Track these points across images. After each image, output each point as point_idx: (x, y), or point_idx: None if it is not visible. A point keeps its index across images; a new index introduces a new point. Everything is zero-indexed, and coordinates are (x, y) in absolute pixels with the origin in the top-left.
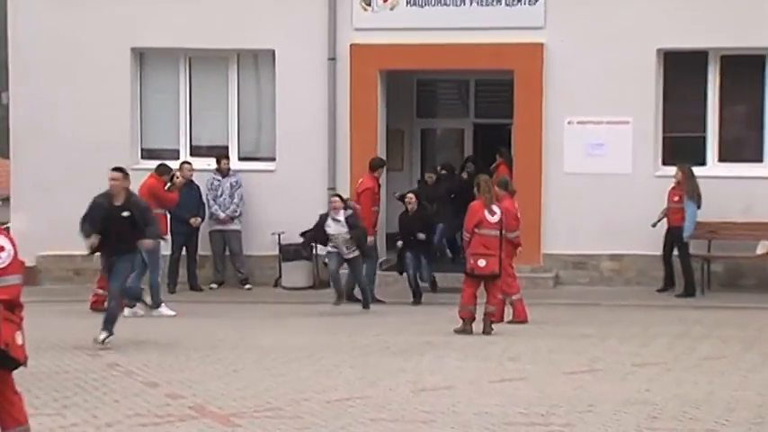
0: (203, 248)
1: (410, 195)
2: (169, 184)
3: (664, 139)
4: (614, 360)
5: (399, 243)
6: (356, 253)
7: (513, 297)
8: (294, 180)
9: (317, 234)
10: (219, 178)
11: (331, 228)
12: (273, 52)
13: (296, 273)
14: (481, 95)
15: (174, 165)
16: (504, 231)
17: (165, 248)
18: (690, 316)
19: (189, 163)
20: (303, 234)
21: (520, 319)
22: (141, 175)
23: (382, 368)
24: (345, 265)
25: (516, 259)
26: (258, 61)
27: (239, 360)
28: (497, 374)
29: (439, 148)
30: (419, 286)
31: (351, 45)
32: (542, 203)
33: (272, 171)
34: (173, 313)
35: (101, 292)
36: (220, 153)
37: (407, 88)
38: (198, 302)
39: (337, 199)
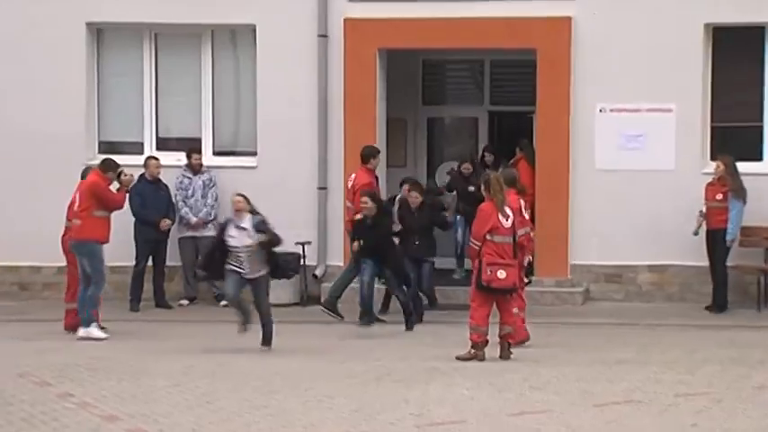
0: (172, 258)
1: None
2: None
3: (712, 129)
4: (654, 390)
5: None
6: (261, 273)
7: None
8: (278, 178)
9: (215, 251)
10: (190, 176)
11: (234, 238)
12: (254, 28)
13: (280, 287)
14: (498, 79)
15: (138, 160)
16: (516, 235)
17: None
18: (744, 338)
19: (155, 158)
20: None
21: (521, 338)
22: None
23: (382, 399)
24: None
25: (539, 270)
26: (236, 39)
27: (213, 389)
28: (517, 407)
29: (448, 140)
30: (414, 304)
31: (345, 20)
32: (570, 205)
33: (252, 168)
34: (104, 336)
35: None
36: (191, 147)
37: (411, 70)
38: (165, 322)
39: (241, 199)
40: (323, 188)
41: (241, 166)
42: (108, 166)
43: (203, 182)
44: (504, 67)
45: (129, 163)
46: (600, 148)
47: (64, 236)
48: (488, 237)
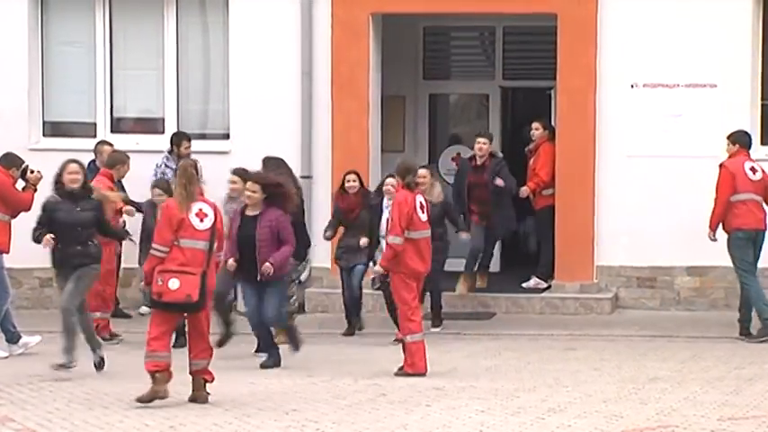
0: (130, 261)
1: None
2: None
3: (763, 108)
4: (695, 413)
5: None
6: None
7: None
8: (255, 165)
9: None
10: (174, 166)
11: None
12: None
13: None
14: (512, 49)
15: (90, 144)
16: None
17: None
18: None
19: (109, 143)
20: None
21: (417, 370)
22: (43, 157)
23: (376, 424)
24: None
25: (560, 274)
26: (205, 1)
27: (179, 413)
28: None
29: (454, 120)
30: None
31: None
32: (596, 197)
33: (224, 153)
34: (4, 355)
35: (98, 315)
36: (179, 132)
37: (411, 39)
38: (122, 333)
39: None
40: (307, 177)
41: (211, 150)
42: (11, 162)
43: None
44: (519, 35)
45: (80, 147)
46: (631, 130)
47: None
48: (176, 242)
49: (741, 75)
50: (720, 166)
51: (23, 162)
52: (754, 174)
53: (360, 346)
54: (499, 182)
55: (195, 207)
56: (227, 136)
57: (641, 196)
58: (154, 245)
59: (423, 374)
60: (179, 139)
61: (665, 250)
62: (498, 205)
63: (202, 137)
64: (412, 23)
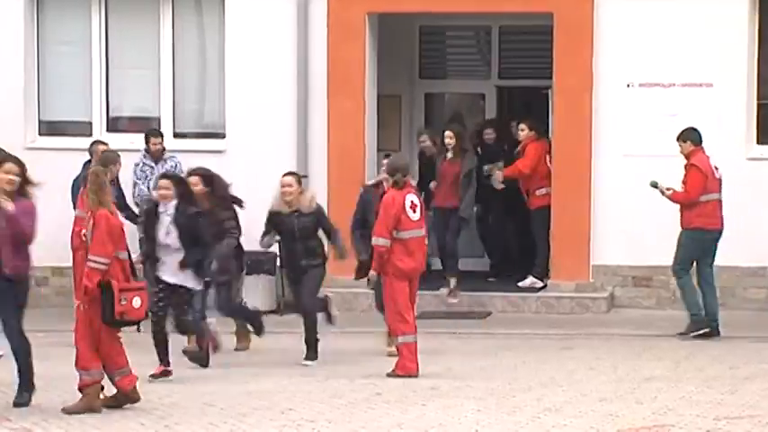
0: None
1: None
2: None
3: (759, 108)
4: (691, 412)
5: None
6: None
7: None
8: (251, 164)
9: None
10: (152, 164)
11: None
12: None
13: (253, 292)
14: (508, 49)
15: (85, 143)
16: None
17: None
18: None
19: (103, 143)
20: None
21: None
22: (39, 156)
23: (371, 423)
24: None
25: (556, 273)
26: (201, 1)
27: (175, 413)
28: None
29: (449, 119)
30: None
31: None
32: (592, 197)
33: (219, 152)
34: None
35: None
36: (149, 128)
37: (407, 39)
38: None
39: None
40: (303, 176)
41: (206, 150)
42: None
43: (167, 170)
44: (515, 34)
45: (76, 146)
46: (627, 130)
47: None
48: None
49: (737, 74)
50: (691, 165)
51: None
52: (717, 172)
53: (355, 345)
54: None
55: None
56: (222, 135)
57: (637, 196)
58: (97, 257)
59: (414, 376)
60: (148, 135)
61: (660, 250)
62: None
63: (197, 136)
64: (408, 23)
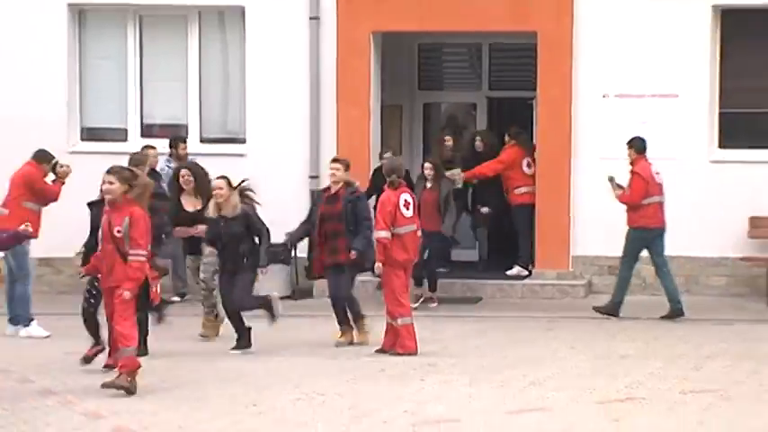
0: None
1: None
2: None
3: (720, 115)
4: (659, 386)
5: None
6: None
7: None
8: (268, 166)
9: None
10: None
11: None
12: (243, 9)
13: (270, 279)
14: (497, 63)
15: (121, 147)
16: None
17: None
18: (752, 332)
19: (153, 147)
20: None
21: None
22: (80, 159)
23: (376, 396)
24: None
25: (540, 262)
26: (224, 21)
27: (200, 387)
28: (516, 404)
29: (445, 124)
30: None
31: (337, 1)
32: (572, 195)
33: (241, 155)
34: (46, 334)
35: None
36: (176, 134)
37: (407, 55)
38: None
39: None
40: (315, 177)
41: (229, 153)
42: (43, 158)
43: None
44: (503, 51)
45: (113, 150)
46: (603, 135)
47: None
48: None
49: (700, 86)
50: (633, 173)
51: (54, 158)
52: (658, 177)
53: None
54: (353, 255)
55: None
56: (243, 140)
57: (612, 194)
58: (139, 251)
59: (413, 354)
60: (177, 141)
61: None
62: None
63: (221, 141)
64: (408, 40)
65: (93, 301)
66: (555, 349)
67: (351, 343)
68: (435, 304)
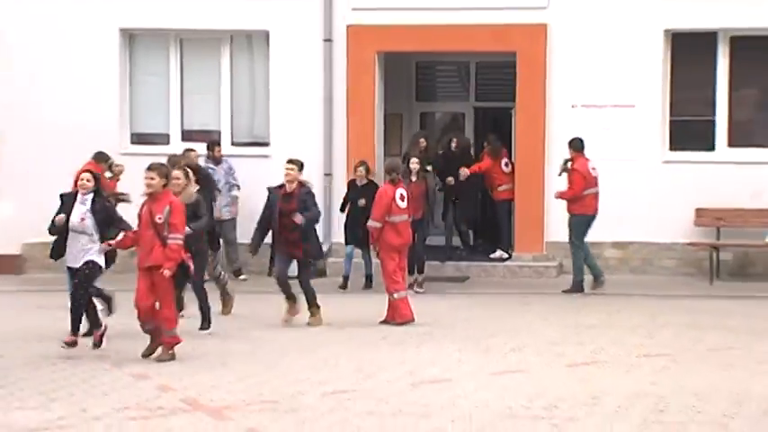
0: None
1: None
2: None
3: (671, 123)
4: (619, 351)
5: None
6: None
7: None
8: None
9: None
10: (213, 166)
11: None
12: (267, 33)
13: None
14: (482, 79)
15: (164, 150)
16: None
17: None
18: (698, 306)
19: (193, 150)
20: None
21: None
22: (130, 160)
23: (379, 360)
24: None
25: (518, 247)
26: (252, 43)
27: (230, 352)
28: (499, 366)
29: (439, 132)
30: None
31: (347, 26)
32: (545, 191)
33: (266, 156)
34: (101, 307)
35: None
36: (212, 139)
37: (406, 71)
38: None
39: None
40: (328, 174)
41: (256, 155)
42: (101, 158)
43: (224, 170)
44: (487, 68)
45: (158, 153)
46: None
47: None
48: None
49: (654, 97)
50: (573, 170)
51: (110, 158)
52: (594, 172)
53: (367, 302)
54: (298, 219)
55: None
56: (267, 144)
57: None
58: (178, 235)
59: (411, 321)
60: (212, 145)
61: (596, 230)
62: (306, 233)
63: (249, 144)
64: (407, 59)
65: (83, 291)
66: (530, 321)
67: (291, 318)
68: (422, 290)
